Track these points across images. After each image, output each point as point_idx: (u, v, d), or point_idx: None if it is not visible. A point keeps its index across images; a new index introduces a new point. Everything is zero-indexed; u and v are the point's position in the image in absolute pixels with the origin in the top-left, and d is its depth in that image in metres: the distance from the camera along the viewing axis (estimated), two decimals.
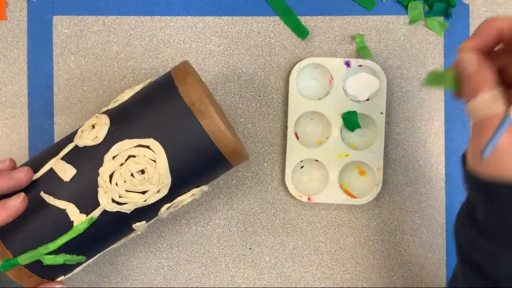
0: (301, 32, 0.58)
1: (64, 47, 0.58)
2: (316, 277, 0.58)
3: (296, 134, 0.57)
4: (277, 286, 0.58)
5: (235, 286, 0.58)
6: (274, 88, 0.58)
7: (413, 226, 0.58)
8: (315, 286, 0.58)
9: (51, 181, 0.44)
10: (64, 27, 0.58)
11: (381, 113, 0.56)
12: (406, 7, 0.58)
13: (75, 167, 0.44)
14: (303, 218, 0.58)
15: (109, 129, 0.44)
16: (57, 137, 0.58)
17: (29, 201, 0.43)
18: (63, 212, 0.43)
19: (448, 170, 0.58)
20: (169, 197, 0.45)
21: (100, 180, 0.43)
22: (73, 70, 0.58)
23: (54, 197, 0.43)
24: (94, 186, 0.43)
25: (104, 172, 0.43)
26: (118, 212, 0.44)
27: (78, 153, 0.44)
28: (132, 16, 0.58)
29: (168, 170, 0.43)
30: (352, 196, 0.57)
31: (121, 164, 0.43)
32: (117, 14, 0.58)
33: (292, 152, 0.56)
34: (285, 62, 0.58)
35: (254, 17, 0.58)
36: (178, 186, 0.45)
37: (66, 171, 0.44)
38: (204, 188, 0.48)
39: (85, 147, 0.44)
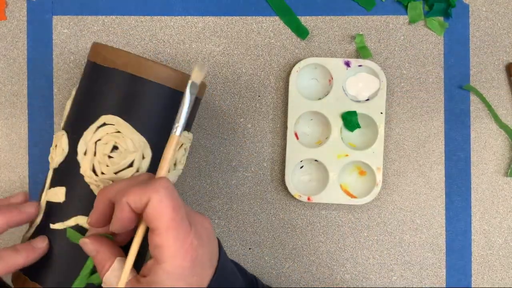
0: (301, 32, 0.58)
1: (63, 47, 0.58)
2: (316, 277, 0.58)
3: (296, 134, 0.57)
4: (277, 286, 0.58)
5: None
6: (274, 88, 0.58)
7: (413, 226, 0.58)
8: (315, 286, 0.58)
9: (52, 211, 0.44)
10: (63, 27, 0.58)
11: (381, 113, 0.56)
12: (406, 7, 0.58)
13: (62, 185, 0.44)
14: (303, 218, 0.58)
15: (68, 136, 0.44)
16: None
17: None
18: (78, 228, 0.43)
19: (448, 170, 0.58)
20: (159, 158, 0.43)
21: (87, 179, 0.43)
22: (73, 70, 0.58)
23: (62, 222, 0.44)
24: (87, 188, 0.43)
25: (84, 170, 0.43)
26: None
27: (58, 172, 0.45)
28: (132, 16, 0.58)
29: (136, 131, 0.43)
30: (352, 196, 0.57)
31: (94, 154, 0.43)
32: (117, 14, 0.58)
33: (292, 152, 0.56)
34: (285, 62, 0.58)
35: (254, 17, 0.58)
36: (157, 141, 0.44)
37: (58, 193, 0.44)
38: (186, 134, 0.47)
39: (59, 164, 0.45)
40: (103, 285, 0.40)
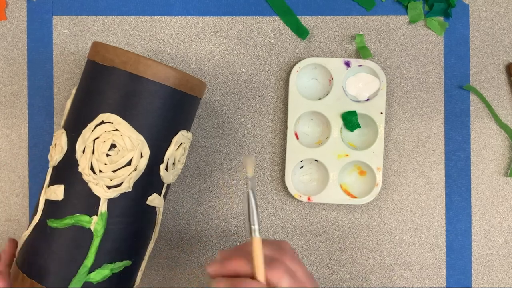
0: (301, 32, 0.58)
1: (64, 47, 0.58)
2: (316, 277, 0.58)
3: (296, 134, 0.57)
4: None
5: None
6: (274, 88, 0.58)
7: (413, 226, 0.58)
8: None
9: (51, 209, 0.44)
10: (63, 27, 0.58)
11: (381, 113, 0.56)
12: (406, 7, 0.58)
13: (61, 183, 0.44)
14: (303, 218, 0.58)
15: (67, 135, 0.45)
16: None
17: (43, 236, 0.44)
18: (76, 226, 0.43)
19: (448, 170, 0.58)
20: (157, 157, 0.45)
21: (85, 177, 0.43)
22: (73, 70, 0.58)
23: (60, 219, 0.44)
24: (85, 186, 0.43)
25: (83, 168, 0.43)
26: (121, 195, 0.44)
27: (57, 170, 0.45)
28: (132, 16, 0.58)
29: (134, 130, 0.43)
30: (352, 196, 0.57)
31: (93, 152, 0.43)
32: (117, 14, 0.58)
33: (292, 152, 0.56)
34: (285, 62, 0.58)
35: (254, 17, 0.58)
36: (156, 140, 0.45)
37: (56, 191, 0.44)
38: (185, 133, 0.47)
39: (59, 162, 0.45)
40: None
